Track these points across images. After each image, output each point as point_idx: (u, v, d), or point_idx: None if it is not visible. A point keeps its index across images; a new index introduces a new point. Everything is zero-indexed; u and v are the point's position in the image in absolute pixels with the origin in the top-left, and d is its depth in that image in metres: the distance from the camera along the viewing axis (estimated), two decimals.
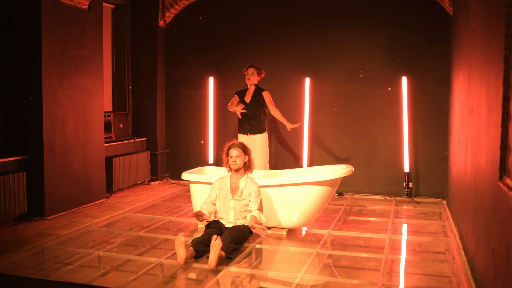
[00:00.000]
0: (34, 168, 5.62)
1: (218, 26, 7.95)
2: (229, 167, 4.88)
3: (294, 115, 7.55)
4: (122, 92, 8.01)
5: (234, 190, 4.81)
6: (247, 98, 6.38)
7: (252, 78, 6.37)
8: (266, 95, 6.40)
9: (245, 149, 4.89)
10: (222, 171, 6.04)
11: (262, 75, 6.49)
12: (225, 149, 4.92)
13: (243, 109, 6.22)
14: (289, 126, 6.39)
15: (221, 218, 4.85)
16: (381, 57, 7.18)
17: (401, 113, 7.06)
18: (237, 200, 4.78)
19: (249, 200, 4.78)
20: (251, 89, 6.42)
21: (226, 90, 7.89)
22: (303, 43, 7.52)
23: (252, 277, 4.01)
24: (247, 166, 4.90)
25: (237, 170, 4.86)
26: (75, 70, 6.10)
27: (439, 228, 5.54)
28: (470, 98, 4.35)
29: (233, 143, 4.93)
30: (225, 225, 4.78)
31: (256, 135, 6.34)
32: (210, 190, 4.95)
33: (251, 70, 6.38)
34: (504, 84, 2.78)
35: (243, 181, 4.83)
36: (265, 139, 6.43)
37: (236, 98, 6.47)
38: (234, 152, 4.84)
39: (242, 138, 6.31)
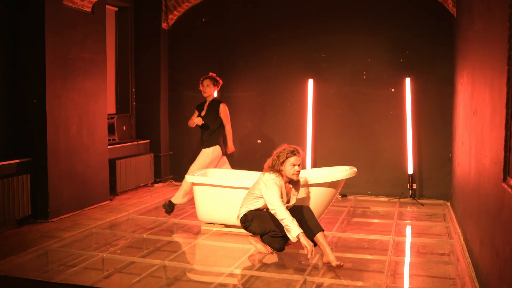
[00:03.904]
0: (38, 171, 5.63)
1: (221, 28, 7.96)
2: (287, 175, 4.40)
3: (297, 116, 7.55)
4: (126, 94, 8.03)
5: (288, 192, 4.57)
6: (203, 112, 6.09)
7: (208, 90, 6.03)
8: (223, 108, 6.04)
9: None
10: (225, 173, 6.05)
11: (220, 85, 6.17)
12: (286, 156, 4.39)
13: (200, 120, 5.97)
14: (229, 147, 6.13)
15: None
16: (384, 58, 7.17)
17: (405, 115, 7.04)
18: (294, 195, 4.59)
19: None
20: (208, 101, 6.12)
21: (230, 92, 7.90)
22: (306, 45, 7.52)
23: (256, 279, 4.00)
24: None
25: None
26: (78, 73, 6.12)
27: (443, 229, 5.53)
28: (474, 99, 4.34)
29: (296, 149, 4.46)
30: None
31: (205, 148, 6.03)
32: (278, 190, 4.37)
33: (206, 82, 6.04)
34: (508, 85, 2.77)
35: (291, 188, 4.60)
36: (211, 153, 6.00)
37: (195, 113, 6.20)
38: (298, 160, 4.41)
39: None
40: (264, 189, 4.35)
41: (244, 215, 4.53)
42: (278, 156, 4.41)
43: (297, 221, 4.21)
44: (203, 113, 6.08)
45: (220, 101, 6.18)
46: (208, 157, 6.01)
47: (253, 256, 4.51)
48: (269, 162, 4.51)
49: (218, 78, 6.15)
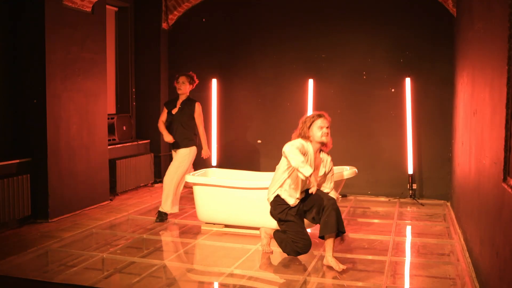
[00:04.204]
0: (38, 171, 5.63)
1: (221, 28, 7.96)
2: (316, 139, 4.28)
3: (298, 116, 7.51)
4: (126, 94, 8.02)
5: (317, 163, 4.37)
6: (175, 110, 5.79)
7: (183, 88, 5.76)
8: (198, 107, 5.81)
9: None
10: (226, 173, 6.05)
11: (195, 84, 5.92)
12: (312, 119, 4.31)
13: (171, 139, 5.74)
14: (205, 151, 5.85)
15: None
16: (384, 58, 7.17)
17: (405, 115, 7.04)
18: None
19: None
20: (182, 99, 5.83)
21: (230, 92, 7.90)
22: (307, 45, 7.52)
23: (256, 279, 4.00)
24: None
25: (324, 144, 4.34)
26: (78, 73, 6.12)
27: (443, 229, 5.53)
28: (474, 99, 4.34)
29: (322, 113, 4.36)
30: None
31: (180, 149, 5.75)
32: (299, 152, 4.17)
33: (181, 79, 5.77)
34: (508, 85, 2.77)
35: (322, 157, 4.43)
36: (188, 153, 5.75)
37: (164, 111, 5.89)
38: (325, 122, 4.31)
39: (173, 153, 5.87)
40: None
41: (271, 212, 4.40)
42: (305, 122, 4.34)
43: (318, 210, 4.16)
44: (174, 111, 5.79)
45: (195, 100, 5.90)
46: (185, 158, 5.72)
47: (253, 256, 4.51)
48: (296, 131, 4.39)
49: (194, 76, 5.88)
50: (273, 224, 5.18)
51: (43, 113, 5.61)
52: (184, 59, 8.17)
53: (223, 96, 7.92)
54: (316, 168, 4.32)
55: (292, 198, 4.31)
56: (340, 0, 7.37)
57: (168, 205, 5.70)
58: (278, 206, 4.35)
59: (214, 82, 7.90)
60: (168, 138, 5.73)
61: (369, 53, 7.24)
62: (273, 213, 4.42)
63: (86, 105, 6.28)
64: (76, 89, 6.10)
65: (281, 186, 4.35)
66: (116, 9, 7.89)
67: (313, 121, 4.30)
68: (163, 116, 5.87)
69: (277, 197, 4.35)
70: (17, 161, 5.49)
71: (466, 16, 5.15)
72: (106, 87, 6.75)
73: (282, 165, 4.37)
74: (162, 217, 5.71)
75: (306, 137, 4.30)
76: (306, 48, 7.52)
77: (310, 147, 4.28)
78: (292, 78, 7.59)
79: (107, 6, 7.08)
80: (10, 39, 5.64)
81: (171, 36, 8.19)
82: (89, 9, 6.25)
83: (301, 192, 4.34)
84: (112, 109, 7.77)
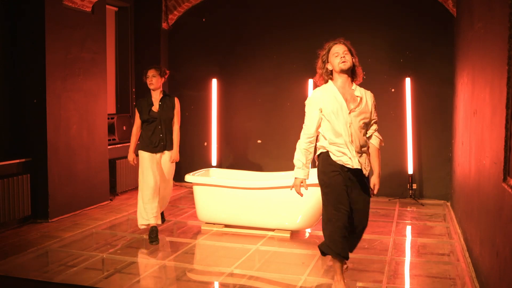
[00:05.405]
0: (38, 171, 5.63)
1: (221, 28, 7.96)
2: (336, 69, 3.82)
3: (298, 116, 7.53)
4: (126, 94, 8.02)
5: (350, 101, 3.79)
6: (155, 107, 5.08)
7: (155, 82, 5.08)
8: (178, 103, 5.25)
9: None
10: (226, 173, 6.05)
11: (167, 76, 5.30)
12: (328, 48, 3.92)
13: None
14: (174, 154, 5.06)
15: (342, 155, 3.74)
16: (384, 58, 7.16)
17: (405, 115, 7.04)
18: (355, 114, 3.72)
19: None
20: (156, 95, 5.17)
21: (230, 92, 7.90)
22: (306, 45, 7.51)
23: (256, 279, 4.00)
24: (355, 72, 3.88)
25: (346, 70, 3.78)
26: (78, 73, 6.12)
27: (443, 229, 5.53)
28: (474, 99, 4.34)
29: (339, 39, 3.90)
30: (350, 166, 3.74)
31: (169, 151, 5.10)
32: (313, 110, 3.75)
33: (151, 72, 5.12)
34: (508, 85, 2.77)
35: (358, 90, 3.88)
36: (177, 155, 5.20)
37: (136, 116, 5.15)
38: (341, 47, 3.83)
39: (145, 155, 5.06)
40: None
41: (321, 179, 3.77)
42: (323, 54, 3.90)
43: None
44: (156, 109, 5.08)
45: (173, 95, 5.37)
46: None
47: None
48: (318, 64, 3.89)
49: (164, 68, 5.27)
50: (273, 223, 5.18)
51: (43, 113, 5.62)
52: (184, 59, 8.17)
53: (223, 96, 7.92)
54: (353, 101, 3.83)
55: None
56: (340, 0, 7.37)
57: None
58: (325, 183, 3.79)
59: (214, 82, 7.90)
60: (131, 157, 5.18)
61: (369, 53, 7.23)
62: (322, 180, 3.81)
63: (86, 105, 6.28)
64: (76, 89, 6.10)
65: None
66: (116, 9, 7.89)
67: (329, 50, 3.86)
68: (139, 121, 5.13)
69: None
70: (17, 161, 5.49)
71: (466, 16, 5.15)
72: (106, 87, 6.75)
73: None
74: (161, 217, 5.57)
75: (328, 71, 3.82)
76: (306, 48, 7.51)
77: (331, 88, 3.79)
78: (292, 78, 7.59)
79: (107, 6, 7.09)
80: (10, 39, 5.65)
81: (171, 36, 8.19)
82: (89, 9, 6.25)
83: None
84: (112, 109, 7.77)
